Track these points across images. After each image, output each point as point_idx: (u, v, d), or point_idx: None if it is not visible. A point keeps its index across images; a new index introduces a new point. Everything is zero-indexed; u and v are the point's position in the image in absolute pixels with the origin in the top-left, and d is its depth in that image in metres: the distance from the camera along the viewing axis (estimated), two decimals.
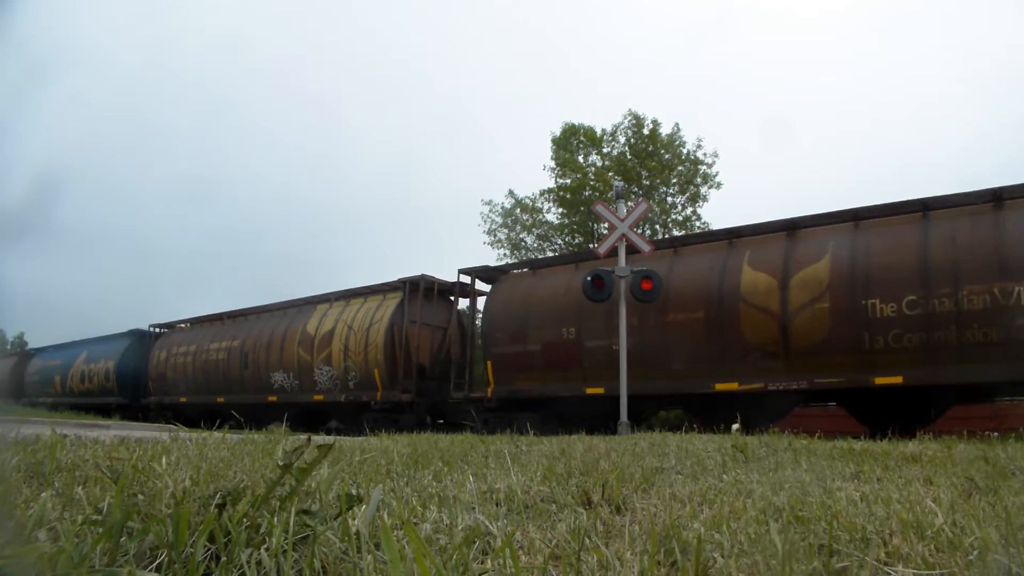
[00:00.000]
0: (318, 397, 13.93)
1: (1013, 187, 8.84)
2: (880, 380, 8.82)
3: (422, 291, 13.23)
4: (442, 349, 13.46)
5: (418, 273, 13.46)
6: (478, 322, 12.77)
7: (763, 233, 10.47)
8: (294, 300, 15.88)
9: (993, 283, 8.25)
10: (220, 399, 15.95)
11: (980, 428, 6.43)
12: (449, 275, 13.76)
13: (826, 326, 9.23)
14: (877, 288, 8.95)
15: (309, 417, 13.78)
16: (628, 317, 9.93)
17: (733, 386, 9.72)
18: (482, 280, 13.19)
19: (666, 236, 10.89)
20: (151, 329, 20.24)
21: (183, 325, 19.57)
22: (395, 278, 13.68)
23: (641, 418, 9.81)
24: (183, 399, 17.40)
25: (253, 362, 15.47)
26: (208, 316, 18.59)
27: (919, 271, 8.77)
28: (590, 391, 10.80)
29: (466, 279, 13.22)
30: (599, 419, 9.40)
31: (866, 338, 8.95)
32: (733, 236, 10.70)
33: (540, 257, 13.08)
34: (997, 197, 8.80)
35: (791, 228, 10.26)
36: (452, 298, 13.67)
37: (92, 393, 20.27)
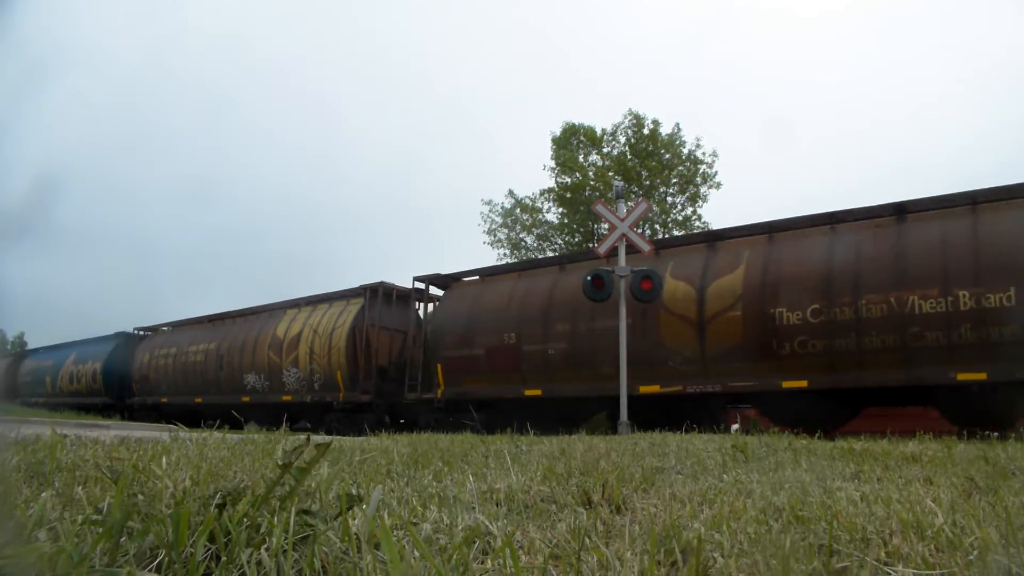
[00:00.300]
0: (287, 398, 14.59)
1: (916, 200, 9.33)
2: (787, 384, 9.33)
3: (381, 297, 13.89)
4: (403, 352, 13.91)
5: (378, 280, 14.17)
6: (431, 327, 13.44)
7: (687, 244, 11.22)
8: (267, 305, 16.58)
9: (890, 293, 8.75)
10: (198, 399, 16.64)
11: (888, 428, 6.75)
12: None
13: (739, 333, 9.75)
14: (785, 297, 9.45)
15: (280, 417, 14.30)
16: (563, 323, 10.83)
17: (655, 388, 10.26)
18: (436, 287, 13.78)
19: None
20: (136, 331, 21.03)
21: (165, 328, 20.27)
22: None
23: (578, 419, 10.32)
24: (164, 399, 18.04)
25: (228, 364, 16.18)
26: (188, 320, 19.31)
27: (823, 281, 9.26)
28: (528, 393, 11.38)
29: (421, 286, 13.77)
30: (537, 419, 9.57)
31: (774, 344, 9.43)
32: (661, 247, 11.34)
33: (488, 266, 13.74)
34: (900, 210, 9.36)
35: (712, 240, 10.91)
36: (413, 303, 14.28)
37: (80, 393, 20.95)
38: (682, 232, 24.07)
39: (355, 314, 13.87)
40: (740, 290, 9.82)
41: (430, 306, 13.89)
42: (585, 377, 10.92)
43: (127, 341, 20.58)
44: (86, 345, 21.97)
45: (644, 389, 10.23)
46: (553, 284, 11.74)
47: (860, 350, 8.93)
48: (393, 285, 14.18)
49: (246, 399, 15.34)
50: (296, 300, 15.84)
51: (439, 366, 12.58)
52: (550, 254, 25.79)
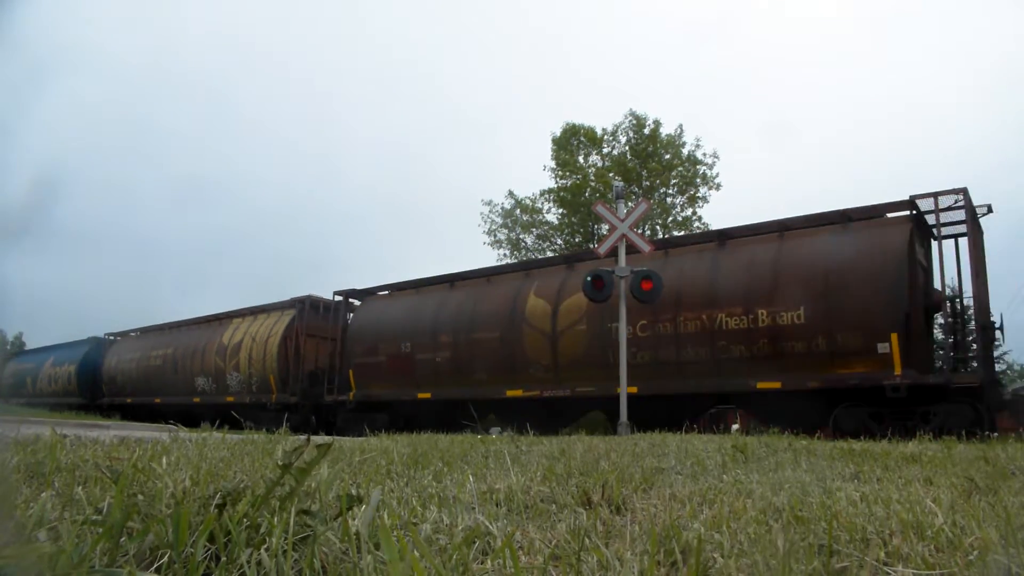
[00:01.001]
0: (230, 399, 16.19)
1: (735, 228, 10.80)
2: (626, 389, 10.31)
3: (309, 308, 15.69)
4: (332, 358, 15.29)
5: (306, 293, 16.15)
6: (346, 336, 14.98)
7: (549, 266, 12.74)
8: (217, 314, 18.32)
9: (703, 311, 10.07)
10: (157, 400, 18.34)
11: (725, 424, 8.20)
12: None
13: (583, 344, 11.11)
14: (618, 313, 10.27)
15: (227, 416, 15.44)
16: (448, 335, 12.52)
17: (519, 392, 11.60)
18: (356, 299, 15.47)
19: (475, 268, 13.89)
20: (106, 337, 22.83)
21: (133, 333, 22.01)
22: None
23: (460, 419, 11.50)
24: (129, 400, 19.71)
25: (182, 368, 18.00)
26: (152, 326, 21.08)
27: (681, 295, 10.46)
28: (420, 396, 12.90)
29: (340, 299, 15.50)
30: (428, 418, 11.21)
31: (610, 355, 10.42)
32: (530, 267, 12.98)
33: (395, 282, 15.00)
34: (721, 236, 10.93)
35: (569, 261, 12.47)
36: (341, 313, 15.77)
37: (57, 394, 22.60)
38: (683, 232, 24.05)
39: (287, 323, 15.66)
40: (585, 307, 10.97)
41: (349, 316, 15.39)
42: (465, 382, 12.43)
43: (98, 346, 22.30)
44: (62, 349, 23.81)
45: (510, 393, 11.66)
46: (441, 301, 13.34)
47: (679, 361, 10.29)
48: (321, 298, 15.88)
49: (197, 400, 17.00)
50: (241, 310, 17.48)
51: (351, 371, 14.13)
52: (550, 254, 25.79)
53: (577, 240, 26.48)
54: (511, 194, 28.54)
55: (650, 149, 26.52)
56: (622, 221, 10.21)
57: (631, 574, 1.30)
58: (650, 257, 10.78)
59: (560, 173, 27.19)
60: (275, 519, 1.30)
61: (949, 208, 9.39)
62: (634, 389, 9.89)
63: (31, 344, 31.19)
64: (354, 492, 1.61)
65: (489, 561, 1.30)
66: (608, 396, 10.22)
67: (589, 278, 9.85)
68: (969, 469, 3.25)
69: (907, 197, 9.35)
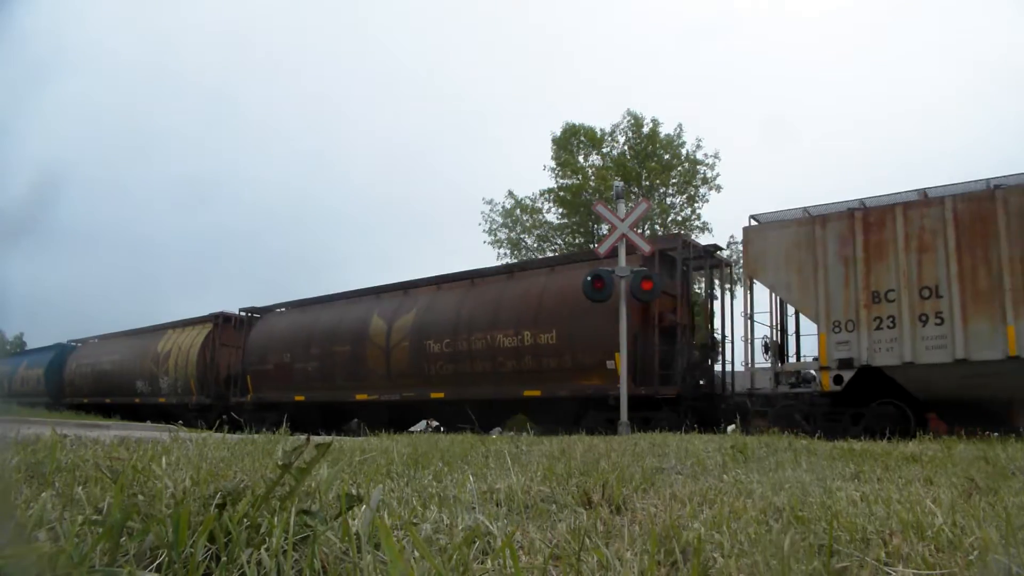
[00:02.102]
0: (161, 400, 18.91)
1: (523, 262, 13.86)
2: (433, 395, 12.97)
3: (223, 322, 18.18)
4: (238, 366, 17.89)
5: (222, 309, 18.75)
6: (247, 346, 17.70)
7: (391, 291, 14.86)
8: (156, 325, 21.01)
9: (487, 332, 12.31)
10: (108, 400, 20.76)
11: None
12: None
13: (407, 358, 13.42)
14: (432, 332, 13.12)
15: (163, 415, 17.96)
16: (316, 347, 15.04)
17: (364, 396, 13.89)
18: (258, 315, 17.99)
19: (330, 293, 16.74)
20: (70, 343, 25.57)
21: (94, 340, 24.45)
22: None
23: (336, 421, 13.89)
24: (86, 400, 21.98)
25: (127, 371, 20.59)
26: (108, 334, 23.66)
27: (453, 323, 12.93)
28: (297, 398, 15.28)
29: (244, 315, 18.22)
30: (308, 418, 13.62)
31: (426, 367, 13.09)
32: (380, 292, 15.14)
33: (285, 301, 17.83)
34: (510, 270, 13.70)
35: (405, 288, 14.65)
36: (247, 327, 18.34)
37: (29, 393, 25.25)
38: (682, 232, 24.04)
39: (205, 335, 18.18)
40: (410, 326, 13.47)
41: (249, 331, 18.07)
42: (328, 387, 14.75)
43: (62, 351, 25.01)
44: (34, 354, 27.31)
45: (359, 396, 14.02)
46: (315, 318, 15.82)
47: (472, 372, 12.56)
48: (233, 313, 18.37)
49: (137, 400, 19.82)
50: (173, 323, 20.19)
51: (248, 377, 16.71)
52: (550, 254, 25.78)
53: (577, 240, 26.47)
54: (511, 194, 28.52)
55: (649, 149, 26.51)
56: (622, 221, 10.22)
57: (631, 574, 1.30)
58: (461, 287, 13.53)
59: (560, 173, 27.19)
60: (275, 519, 1.30)
61: (691, 246, 12.00)
62: (441, 394, 12.81)
63: (31, 344, 32.93)
64: (354, 492, 1.61)
65: (489, 561, 1.30)
66: (423, 400, 13.16)
67: (589, 278, 9.87)
68: (969, 469, 3.25)
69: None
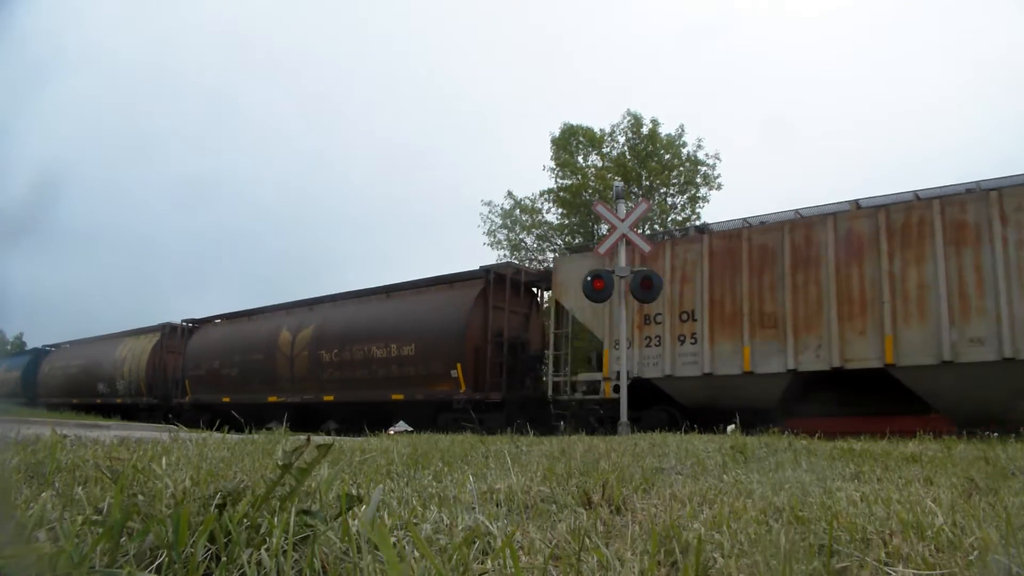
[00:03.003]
0: (119, 400, 21.07)
1: (398, 284, 15.00)
2: (326, 398, 14.82)
3: (169, 331, 20.45)
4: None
5: (178, 319, 21.04)
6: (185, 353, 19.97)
7: (300, 307, 16.90)
8: (115, 333, 23.20)
9: (365, 344, 14.15)
10: (75, 400, 22.55)
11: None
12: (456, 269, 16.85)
13: (307, 365, 15.31)
14: (325, 343, 15.03)
15: (122, 414, 20.11)
16: (238, 355, 17.25)
17: (275, 399, 15.85)
18: (196, 326, 20.17)
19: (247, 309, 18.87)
20: (45, 348, 27.95)
21: (66, 345, 26.60)
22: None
23: (256, 421, 15.32)
24: (56, 400, 23.89)
25: (90, 374, 22.78)
26: (77, 340, 26.06)
27: (341, 334, 14.83)
28: (224, 399, 16.98)
29: (187, 324, 20.39)
30: (234, 418, 15.16)
31: (320, 373, 15.08)
32: (289, 307, 17.21)
33: (218, 313, 19.89)
34: (388, 290, 15.20)
35: (311, 304, 16.67)
36: (187, 336, 20.52)
37: (7, 395, 27.29)
38: (680, 231, 24.03)
39: (154, 343, 20.46)
40: (309, 338, 15.45)
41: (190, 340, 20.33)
42: (247, 391, 16.86)
43: (37, 356, 27.43)
44: (13, 358, 30.08)
45: (271, 399, 16.03)
46: (239, 329, 18.07)
47: (354, 378, 14.30)
48: (178, 323, 20.56)
49: (99, 400, 21.77)
50: (128, 331, 22.46)
51: (187, 381, 18.88)
52: (550, 255, 25.77)
53: (577, 241, 26.46)
54: (510, 194, 28.52)
55: (649, 149, 26.50)
56: (622, 221, 10.22)
57: (631, 574, 1.30)
58: (351, 304, 15.52)
59: (560, 173, 27.19)
60: (275, 519, 1.30)
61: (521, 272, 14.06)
62: (331, 397, 14.71)
63: (30, 344, 34.30)
64: (354, 492, 1.61)
65: (489, 561, 1.30)
66: (319, 402, 15.07)
67: (589, 278, 9.87)
68: (969, 469, 3.25)
69: (479, 267, 13.72)
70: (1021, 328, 8.63)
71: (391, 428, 14.60)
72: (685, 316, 10.99)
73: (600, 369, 11.81)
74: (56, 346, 27.40)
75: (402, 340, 13.54)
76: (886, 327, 9.42)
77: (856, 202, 10.25)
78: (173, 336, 20.28)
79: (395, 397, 13.46)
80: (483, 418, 11.77)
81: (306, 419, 14.61)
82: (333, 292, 16.44)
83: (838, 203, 10.45)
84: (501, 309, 13.10)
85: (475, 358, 12.66)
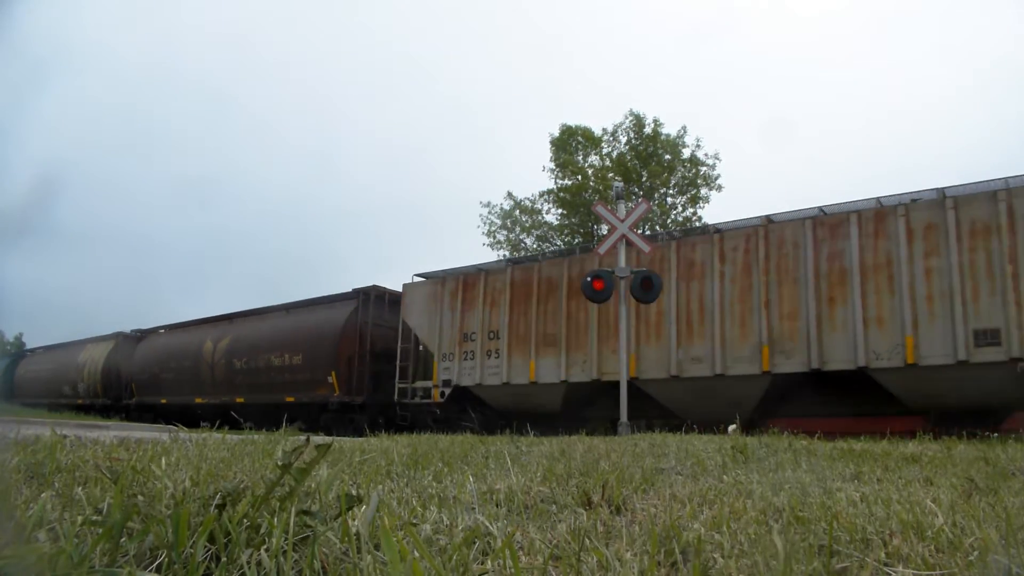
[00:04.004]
0: (80, 401, 23.34)
1: (296, 302, 17.25)
2: (238, 399, 17.05)
3: (122, 339, 22.96)
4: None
5: (175, 320, 22.90)
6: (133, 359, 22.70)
7: (222, 320, 19.17)
8: (79, 340, 25.46)
9: (269, 353, 16.44)
10: (46, 400, 24.80)
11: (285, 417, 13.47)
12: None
13: (224, 371, 17.72)
14: (237, 353, 17.48)
15: (82, 412, 22.13)
16: (175, 361, 19.72)
17: (200, 400, 18.15)
18: (143, 335, 22.72)
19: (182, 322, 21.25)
20: (24, 351, 31.34)
21: (40, 350, 29.14)
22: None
23: (188, 420, 16.69)
24: (29, 401, 26.21)
25: (57, 377, 25.18)
26: (49, 346, 28.32)
27: (249, 345, 17.25)
28: (163, 401, 19.78)
29: (137, 335, 22.94)
30: (174, 417, 15.65)
31: (233, 378, 17.31)
32: (215, 320, 19.45)
33: (164, 324, 22.19)
34: (286, 308, 17.60)
35: (231, 318, 19.03)
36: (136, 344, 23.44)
37: None
38: (680, 231, 24.09)
39: (109, 350, 22.75)
40: (227, 347, 17.85)
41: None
42: (180, 393, 19.07)
43: (14, 361, 30.38)
44: None
45: (198, 400, 18.33)
46: (176, 339, 20.44)
47: (258, 383, 16.66)
48: (129, 332, 23.12)
49: (64, 401, 24.07)
50: (89, 339, 24.83)
51: (133, 385, 21.28)
52: (550, 255, 25.77)
53: (577, 241, 26.46)
54: (510, 195, 28.53)
55: (650, 150, 26.51)
56: (622, 221, 10.21)
57: (631, 574, 1.30)
58: (259, 319, 17.96)
59: (559, 174, 27.19)
60: (275, 519, 1.30)
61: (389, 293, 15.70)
62: (242, 399, 16.91)
63: (30, 344, 35.85)
64: (354, 492, 1.61)
65: (489, 561, 1.30)
66: (233, 404, 16.72)
67: (589, 279, 9.86)
68: (969, 469, 3.25)
69: (352, 289, 15.77)
70: (730, 348, 10.59)
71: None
72: (492, 335, 13.26)
73: (430, 378, 14.21)
74: (32, 350, 30.40)
75: (293, 350, 15.99)
76: (632, 347, 11.23)
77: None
78: (125, 344, 22.79)
79: (288, 399, 15.60)
80: (352, 417, 13.97)
81: (226, 419, 15.41)
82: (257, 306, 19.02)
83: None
84: (369, 324, 15.39)
85: (347, 366, 14.89)
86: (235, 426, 12.64)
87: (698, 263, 11.16)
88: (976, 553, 1.46)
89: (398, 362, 14.54)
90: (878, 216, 9.82)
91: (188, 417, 17.74)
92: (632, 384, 11.04)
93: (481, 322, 13.31)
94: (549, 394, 12.52)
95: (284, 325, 16.79)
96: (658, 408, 11.45)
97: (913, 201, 9.85)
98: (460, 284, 13.80)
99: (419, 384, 14.30)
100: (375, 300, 15.28)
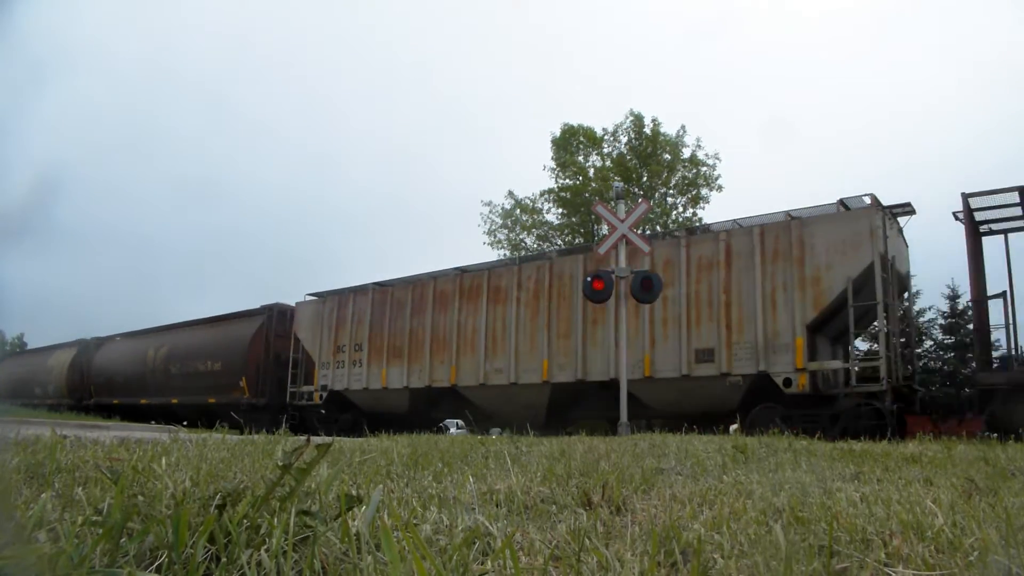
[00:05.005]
0: (49, 401, 25.12)
1: (220, 316, 19.48)
2: (174, 401, 19.08)
3: (82, 346, 24.99)
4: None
5: (169, 321, 25.14)
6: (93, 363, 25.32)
7: (162, 330, 21.52)
8: (48, 346, 28.02)
9: (195, 360, 18.90)
10: (21, 401, 26.64)
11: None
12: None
13: (163, 376, 19.99)
14: (173, 359, 19.76)
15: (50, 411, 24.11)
16: (129, 367, 21.97)
17: (146, 401, 20.38)
18: (101, 342, 24.79)
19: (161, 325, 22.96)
20: (2, 355, 34.21)
21: (17, 353, 33.00)
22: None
23: (136, 418, 18.18)
24: (5, 400, 27.84)
25: (30, 379, 27.14)
26: (28, 350, 32.04)
27: (182, 353, 19.56)
28: (115, 402, 21.61)
29: (94, 341, 25.20)
30: (129, 415, 19.36)
31: (170, 382, 19.68)
32: (158, 330, 21.79)
33: (124, 332, 24.36)
34: (211, 320, 19.73)
35: (169, 328, 21.42)
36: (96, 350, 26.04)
37: None
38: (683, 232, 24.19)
39: (73, 355, 24.95)
40: (165, 355, 20.26)
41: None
42: (129, 395, 21.21)
43: None
44: None
45: (143, 401, 20.46)
46: (125, 346, 22.83)
47: (189, 386, 18.93)
48: (89, 340, 25.18)
49: (36, 402, 25.77)
50: (57, 344, 27.22)
51: (91, 386, 23.74)
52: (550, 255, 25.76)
53: (578, 240, 26.46)
54: (511, 194, 28.55)
55: (649, 149, 26.50)
56: (622, 221, 10.22)
57: (631, 575, 1.30)
58: (190, 329, 20.26)
59: (560, 174, 27.19)
60: (275, 520, 1.30)
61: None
62: (176, 400, 19.06)
63: (31, 344, 37.26)
64: (354, 492, 1.61)
65: (489, 562, 1.30)
66: (171, 404, 19.06)
67: (589, 279, 9.87)
68: (969, 470, 3.25)
69: (261, 305, 18.45)
70: (524, 361, 12.78)
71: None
72: (357, 347, 15.71)
73: (311, 383, 16.74)
74: (11, 354, 33.67)
75: (214, 358, 18.45)
76: (454, 359, 13.77)
77: (465, 268, 14.60)
78: (86, 350, 24.92)
79: (211, 401, 17.86)
80: (257, 417, 15.38)
81: (168, 416, 18.02)
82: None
83: (446, 269, 14.79)
84: (272, 336, 17.96)
85: (255, 372, 17.45)
86: (176, 422, 14.71)
87: (503, 289, 13.41)
88: (976, 553, 1.45)
89: (290, 369, 17.10)
90: (632, 252, 11.10)
91: (137, 416, 19.98)
92: (452, 389, 13.80)
93: (350, 336, 15.90)
94: (398, 398, 14.88)
95: (208, 336, 19.30)
96: (476, 410, 13.70)
97: (661, 237, 12.24)
98: (336, 303, 16.46)
99: (305, 388, 16.82)
100: (278, 315, 18.02)
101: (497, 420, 14.10)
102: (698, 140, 26.77)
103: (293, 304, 18.42)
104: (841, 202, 10.57)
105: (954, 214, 10.89)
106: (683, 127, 26.76)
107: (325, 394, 16.16)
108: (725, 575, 1.32)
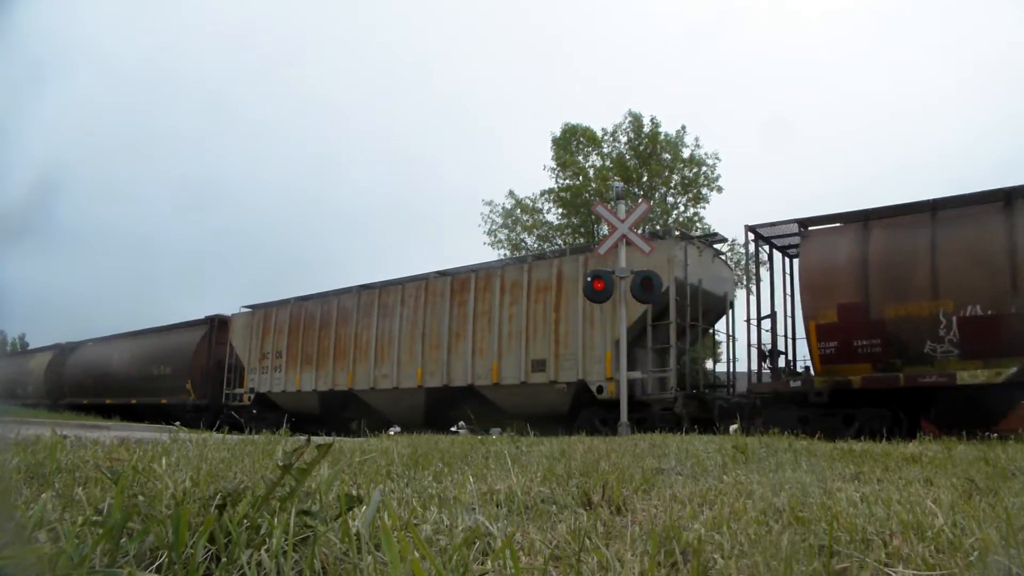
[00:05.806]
0: (31, 400, 26.51)
1: (172, 325, 21.53)
2: (133, 401, 20.92)
3: (58, 350, 26.53)
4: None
5: (165, 322, 25.99)
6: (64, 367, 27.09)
7: (123, 337, 23.34)
8: (30, 350, 29.32)
9: (149, 365, 21.09)
10: (7, 400, 27.88)
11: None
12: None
13: (124, 379, 21.62)
14: (134, 363, 21.40)
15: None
16: (91, 370, 23.93)
17: (111, 401, 21.40)
18: (73, 347, 26.28)
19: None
20: None
21: (6, 354, 35.00)
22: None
23: (105, 415, 19.44)
24: None
25: (15, 380, 28.41)
26: (16, 352, 32.59)
27: (139, 359, 21.66)
28: (84, 402, 22.56)
29: (68, 345, 26.91)
30: (100, 412, 20.25)
31: (130, 383, 21.21)
32: (121, 336, 23.88)
33: (93, 338, 25.70)
34: (167, 328, 21.66)
35: (133, 335, 22.96)
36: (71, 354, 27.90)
37: None
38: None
39: (50, 358, 26.57)
40: (127, 359, 22.16)
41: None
42: (97, 395, 22.55)
43: None
44: None
45: (108, 401, 21.51)
46: (95, 352, 24.42)
47: (146, 387, 20.76)
48: (65, 344, 26.86)
49: (18, 401, 27.48)
50: (38, 348, 29.46)
51: (64, 387, 25.08)
52: (551, 255, 25.75)
53: (578, 240, 26.45)
54: (511, 194, 28.52)
55: (649, 149, 26.49)
56: (622, 222, 10.22)
57: (631, 575, 1.30)
58: (146, 336, 22.33)
59: (560, 174, 27.18)
60: (275, 520, 1.30)
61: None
62: (134, 400, 20.79)
63: (32, 344, 38.39)
64: (354, 492, 1.61)
65: (489, 562, 1.30)
66: (131, 404, 20.86)
67: (590, 279, 9.88)
68: (969, 470, 3.25)
69: (204, 316, 20.56)
70: (404, 368, 14.58)
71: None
72: (277, 354, 17.71)
73: (240, 384, 18.73)
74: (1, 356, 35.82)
75: (166, 363, 20.50)
76: (351, 365, 15.73)
77: (365, 285, 16.27)
78: (61, 354, 26.62)
79: (163, 401, 19.85)
80: (200, 417, 16.40)
81: (131, 414, 20.43)
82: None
83: (349, 287, 16.57)
84: (213, 344, 19.86)
85: (200, 376, 19.40)
86: (137, 420, 15.64)
87: (390, 305, 15.29)
88: (976, 554, 1.45)
89: (225, 373, 19.01)
90: (488, 276, 13.79)
91: (108, 413, 21.56)
92: (350, 392, 15.61)
93: (273, 344, 17.90)
94: (310, 400, 16.73)
95: (161, 343, 21.39)
96: (371, 411, 15.64)
97: (506, 266, 14.03)
98: (263, 315, 18.49)
99: (237, 391, 18.76)
100: (219, 325, 20.06)
101: (392, 421, 16.02)
102: (697, 140, 26.77)
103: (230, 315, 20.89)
104: (653, 235, 12.58)
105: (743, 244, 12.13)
106: (683, 127, 26.76)
107: (253, 396, 18.14)
108: (725, 575, 1.32)
